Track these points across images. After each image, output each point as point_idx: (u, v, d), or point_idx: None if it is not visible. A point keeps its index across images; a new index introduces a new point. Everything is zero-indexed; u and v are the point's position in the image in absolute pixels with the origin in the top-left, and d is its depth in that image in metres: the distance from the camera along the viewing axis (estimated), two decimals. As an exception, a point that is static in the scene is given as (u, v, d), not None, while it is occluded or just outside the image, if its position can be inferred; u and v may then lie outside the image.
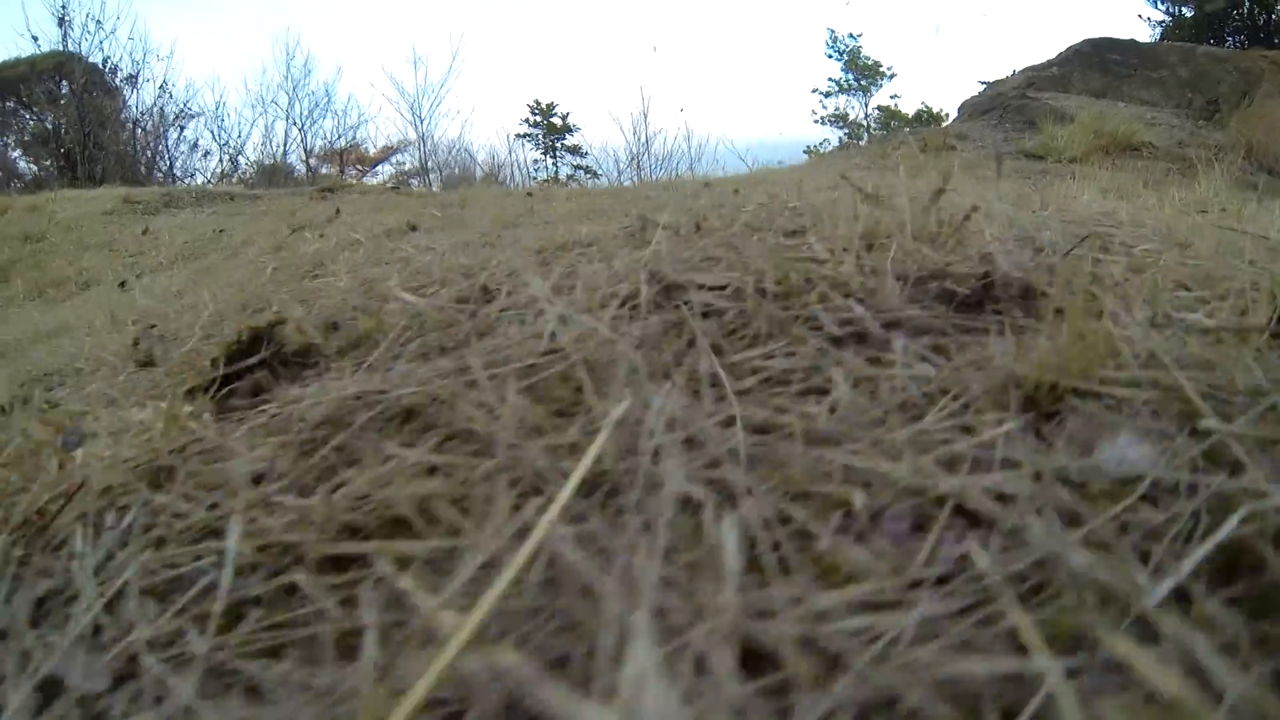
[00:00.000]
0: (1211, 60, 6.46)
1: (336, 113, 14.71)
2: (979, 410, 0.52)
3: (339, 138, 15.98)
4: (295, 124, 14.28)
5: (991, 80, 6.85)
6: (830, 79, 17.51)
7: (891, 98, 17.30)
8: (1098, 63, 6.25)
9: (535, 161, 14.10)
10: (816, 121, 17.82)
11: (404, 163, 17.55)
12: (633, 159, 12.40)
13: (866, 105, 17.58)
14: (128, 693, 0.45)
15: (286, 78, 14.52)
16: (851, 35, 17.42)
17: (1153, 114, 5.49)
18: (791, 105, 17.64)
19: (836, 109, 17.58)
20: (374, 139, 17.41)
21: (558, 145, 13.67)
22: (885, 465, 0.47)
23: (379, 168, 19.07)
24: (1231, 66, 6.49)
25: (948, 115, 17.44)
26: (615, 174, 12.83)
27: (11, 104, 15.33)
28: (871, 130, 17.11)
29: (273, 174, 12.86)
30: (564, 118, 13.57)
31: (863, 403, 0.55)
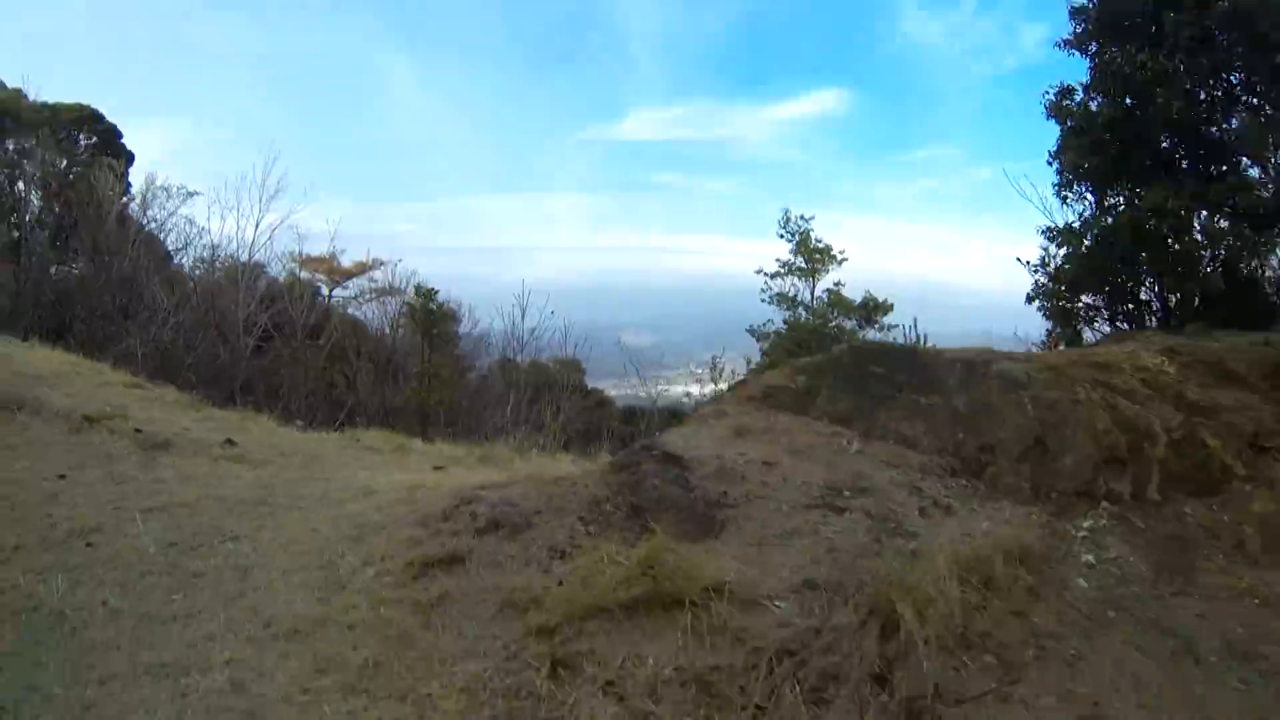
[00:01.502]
0: (1006, 386, 5.20)
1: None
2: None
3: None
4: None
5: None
6: (778, 259, 16.90)
7: (835, 284, 16.50)
8: (855, 377, 5.06)
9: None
10: (763, 301, 17.08)
11: (375, 280, 17.10)
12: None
13: (813, 289, 16.80)
14: None
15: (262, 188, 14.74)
16: (803, 217, 16.96)
17: (882, 474, 4.19)
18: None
19: (781, 291, 16.84)
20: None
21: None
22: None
23: (350, 282, 18.65)
24: (1029, 396, 5.20)
25: (892, 306, 16.43)
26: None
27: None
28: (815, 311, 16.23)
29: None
30: (440, 305, 13.15)
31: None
